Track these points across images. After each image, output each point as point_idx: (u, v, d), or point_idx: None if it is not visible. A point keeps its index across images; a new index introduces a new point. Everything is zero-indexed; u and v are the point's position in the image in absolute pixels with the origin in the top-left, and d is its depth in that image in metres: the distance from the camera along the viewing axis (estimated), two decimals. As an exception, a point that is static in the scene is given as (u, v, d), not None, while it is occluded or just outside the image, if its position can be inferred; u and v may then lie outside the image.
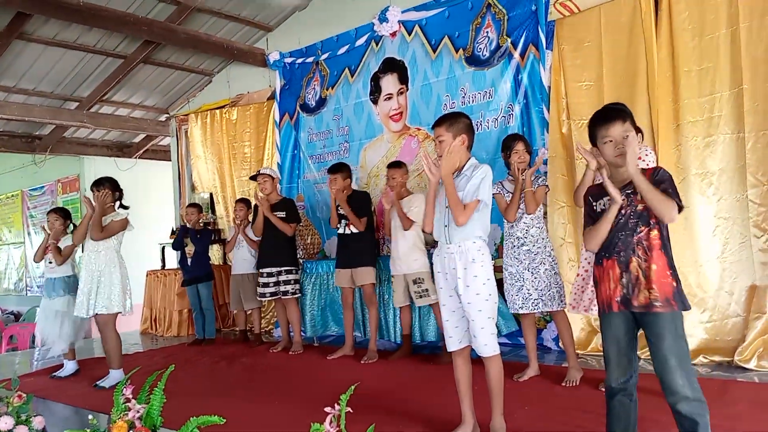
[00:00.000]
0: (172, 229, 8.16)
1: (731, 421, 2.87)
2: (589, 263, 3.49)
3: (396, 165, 4.85)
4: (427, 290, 4.53)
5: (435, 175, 2.81)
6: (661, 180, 2.20)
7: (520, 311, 3.91)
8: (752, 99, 4.02)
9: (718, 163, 4.15)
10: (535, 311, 3.90)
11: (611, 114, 2.31)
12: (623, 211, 2.24)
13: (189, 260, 6.32)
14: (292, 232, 5.49)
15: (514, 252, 3.90)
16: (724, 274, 4.09)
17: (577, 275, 3.66)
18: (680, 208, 2.18)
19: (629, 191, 2.24)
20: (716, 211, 4.17)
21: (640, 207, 2.22)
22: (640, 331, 2.30)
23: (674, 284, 2.19)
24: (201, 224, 6.51)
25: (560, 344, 4.71)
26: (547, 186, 3.96)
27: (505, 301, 4.98)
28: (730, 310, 4.10)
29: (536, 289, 3.82)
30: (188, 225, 6.36)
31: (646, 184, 2.16)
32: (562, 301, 3.84)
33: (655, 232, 2.21)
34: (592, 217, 2.38)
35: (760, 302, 3.97)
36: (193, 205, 6.61)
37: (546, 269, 3.82)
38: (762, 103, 3.99)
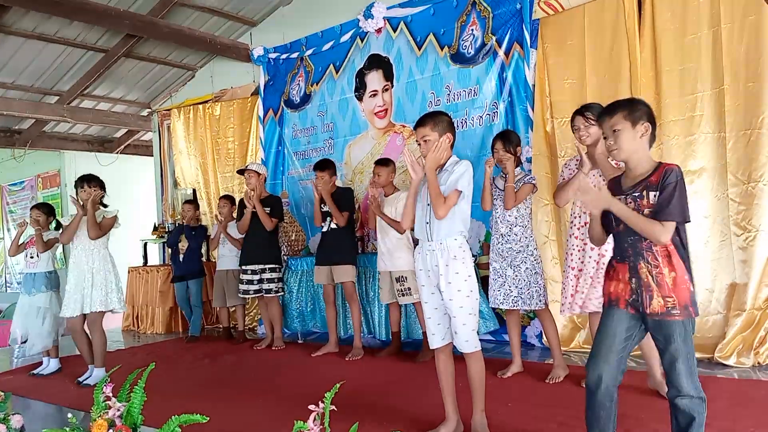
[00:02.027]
0: (155, 225, 8.09)
1: (710, 418, 2.88)
2: (582, 261, 3.49)
3: (383, 162, 4.81)
4: (409, 289, 4.53)
5: (418, 174, 2.81)
6: (663, 187, 2.11)
7: (501, 306, 3.95)
8: (733, 99, 4.07)
9: (699, 162, 4.20)
10: (515, 308, 3.92)
11: (604, 110, 2.27)
12: None
13: (181, 256, 6.35)
14: (272, 226, 5.44)
15: (499, 248, 3.93)
16: (704, 272, 4.14)
17: (566, 276, 3.61)
18: (683, 221, 2.11)
19: (636, 194, 2.17)
20: (697, 210, 4.21)
21: (646, 212, 2.14)
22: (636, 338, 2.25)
23: (691, 290, 2.13)
24: (197, 221, 6.60)
25: (543, 341, 4.77)
26: (534, 186, 3.89)
27: (487, 297, 5.04)
28: (710, 307, 4.15)
29: (516, 287, 3.85)
30: (183, 221, 6.43)
31: (625, 212, 2.12)
32: (541, 301, 3.85)
33: None
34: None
35: (740, 300, 4.03)
36: (189, 201, 6.78)
37: (527, 268, 3.84)
38: (743, 103, 4.04)
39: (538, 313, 4.00)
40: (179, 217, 7.13)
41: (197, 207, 6.76)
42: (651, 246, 2.14)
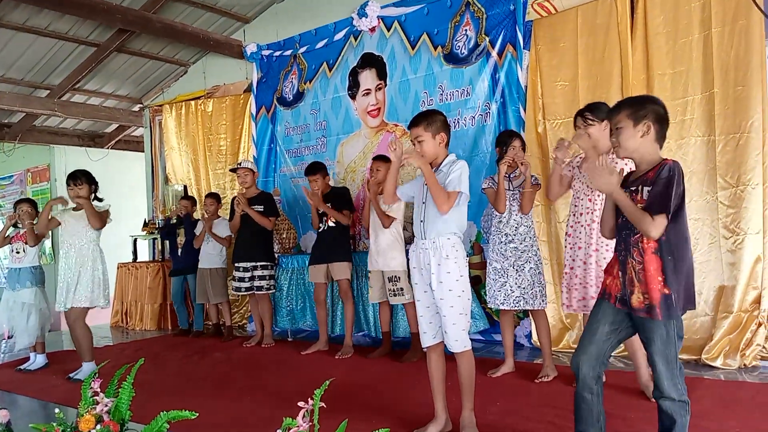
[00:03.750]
0: (145, 221, 8.05)
1: (697, 419, 2.91)
2: (573, 260, 3.49)
3: (383, 158, 4.76)
4: (402, 289, 4.52)
5: (396, 153, 2.83)
6: (654, 182, 2.12)
7: (501, 307, 3.91)
8: (723, 103, 4.11)
9: (689, 165, 4.22)
10: (516, 308, 3.92)
11: (612, 107, 2.32)
12: None
13: (179, 251, 6.40)
14: (272, 225, 5.47)
15: (501, 248, 3.90)
16: (692, 274, 4.17)
17: (565, 273, 3.58)
18: (667, 216, 2.09)
19: (632, 189, 2.20)
20: (687, 213, 4.23)
21: (639, 207, 2.15)
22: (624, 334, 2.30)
23: (666, 292, 2.11)
24: (193, 216, 6.63)
25: (532, 341, 4.79)
26: (539, 185, 3.93)
27: (479, 298, 5.06)
28: (698, 309, 4.17)
29: (519, 287, 3.84)
30: (182, 215, 6.50)
31: (624, 201, 2.15)
32: (543, 301, 3.87)
33: None
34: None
35: (727, 302, 4.07)
36: (187, 197, 6.83)
37: (531, 268, 3.84)
38: (732, 107, 4.08)
39: (534, 313, 3.98)
40: (169, 213, 7.12)
41: (194, 202, 6.75)
42: (638, 242, 2.17)
